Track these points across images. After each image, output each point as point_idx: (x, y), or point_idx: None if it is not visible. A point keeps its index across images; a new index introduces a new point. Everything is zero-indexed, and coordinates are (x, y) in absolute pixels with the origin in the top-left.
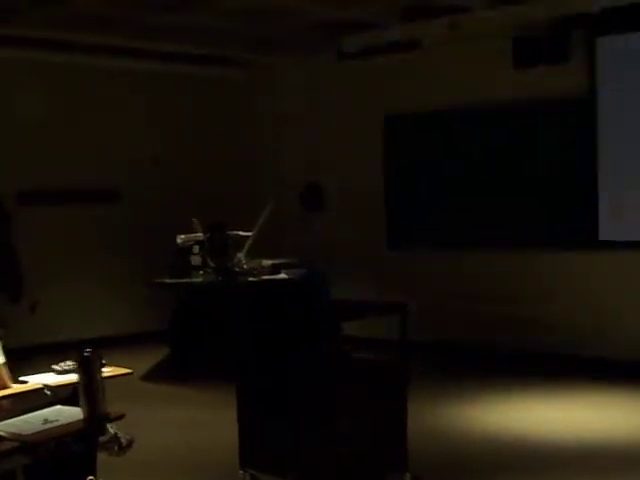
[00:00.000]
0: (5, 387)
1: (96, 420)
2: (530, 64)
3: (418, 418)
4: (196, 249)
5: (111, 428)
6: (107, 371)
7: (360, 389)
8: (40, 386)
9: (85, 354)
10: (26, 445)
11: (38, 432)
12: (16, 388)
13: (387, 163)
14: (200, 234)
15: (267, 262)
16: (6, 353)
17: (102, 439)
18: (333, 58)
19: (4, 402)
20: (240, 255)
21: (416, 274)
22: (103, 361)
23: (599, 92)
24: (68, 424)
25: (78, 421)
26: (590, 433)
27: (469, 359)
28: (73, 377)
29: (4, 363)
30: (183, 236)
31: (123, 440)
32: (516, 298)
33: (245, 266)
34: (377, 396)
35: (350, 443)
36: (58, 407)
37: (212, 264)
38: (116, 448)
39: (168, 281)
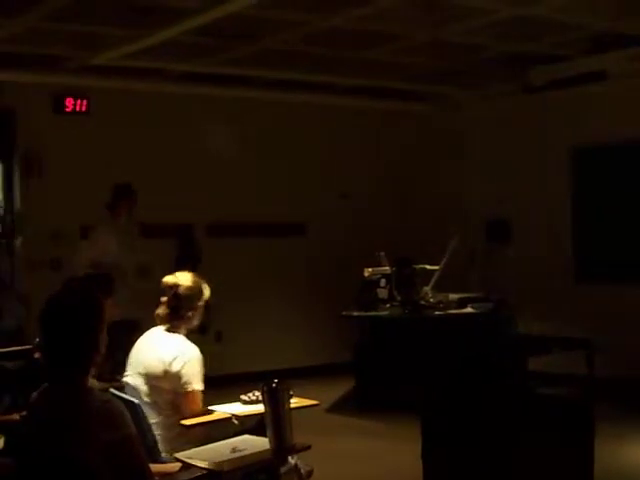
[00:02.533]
0: (199, 415)
1: (283, 451)
2: None
3: (602, 457)
4: (383, 282)
5: (292, 458)
6: (294, 402)
7: (545, 426)
8: (228, 415)
9: (273, 385)
10: (215, 473)
11: (226, 460)
12: (205, 417)
13: (575, 195)
14: (387, 267)
15: (454, 296)
16: None
17: (283, 469)
18: (519, 90)
19: (196, 429)
20: (427, 289)
21: (602, 308)
22: (291, 392)
23: None
24: (255, 454)
25: (265, 451)
26: None
27: None
28: (260, 407)
29: (201, 391)
30: (370, 269)
31: (302, 471)
32: None
33: (432, 300)
34: (562, 434)
35: None
36: (245, 436)
37: (399, 297)
38: (296, 479)
39: (355, 314)
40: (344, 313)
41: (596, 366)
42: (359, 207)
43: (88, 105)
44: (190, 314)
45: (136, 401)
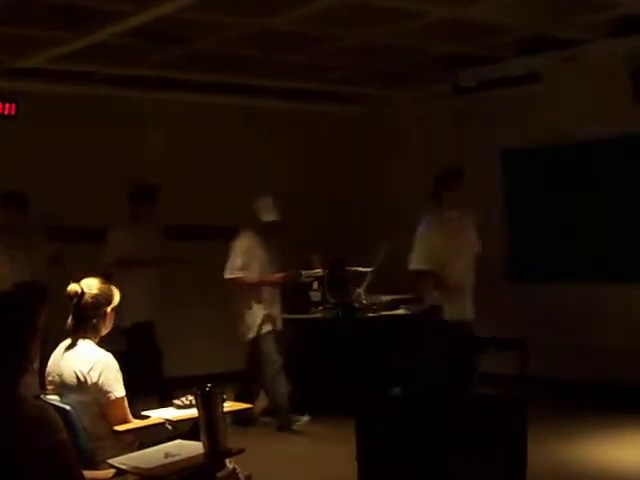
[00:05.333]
0: (126, 421)
1: (217, 455)
2: None
3: (535, 455)
4: (315, 285)
5: (229, 463)
6: (227, 406)
7: (479, 426)
8: (161, 420)
9: (206, 389)
10: (148, 478)
11: (159, 466)
12: (138, 422)
13: (507, 196)
14: (319, 270)
15: (386, 297)
16: (127, 387)
17: (221, 474)
18: (449, 92)
19: (126, 436)
20: (359, 291)
21: (534, 307)
22: (224, 396)
23: None
24: (189, 458)
25: (199, 455)
26: None
27: (584, 394)
28: (193, 412)
29: (123, 397)
30: (303, 272)
31: (241, 475)
32: (630, 332)
33: (365, 302)
34: (496, 432)
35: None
36: (179, 441)
37: (331, 300)
38: None
39: (288, 316)
40: None
41: (530, 366)
42: (289, 209)
43: (17, 109)
44: (95, 321)
45: (68, 407)
